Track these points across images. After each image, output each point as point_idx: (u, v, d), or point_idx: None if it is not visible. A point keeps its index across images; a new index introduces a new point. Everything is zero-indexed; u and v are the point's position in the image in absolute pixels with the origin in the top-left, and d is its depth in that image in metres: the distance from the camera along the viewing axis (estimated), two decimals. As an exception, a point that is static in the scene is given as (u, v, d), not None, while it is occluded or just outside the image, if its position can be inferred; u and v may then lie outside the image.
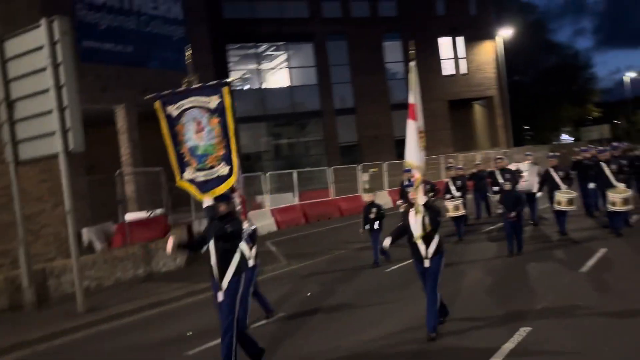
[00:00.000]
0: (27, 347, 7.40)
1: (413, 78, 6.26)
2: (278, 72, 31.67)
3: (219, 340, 5.44)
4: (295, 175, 20.95)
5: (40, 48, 8.74)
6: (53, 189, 12.39)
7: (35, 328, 8.02)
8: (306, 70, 30.89)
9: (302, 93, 30.58)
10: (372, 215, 10.46)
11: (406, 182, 10.95)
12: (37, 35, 8.79)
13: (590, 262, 8.87)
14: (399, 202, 12.19)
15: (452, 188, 12.91)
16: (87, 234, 13.56)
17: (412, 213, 6.16)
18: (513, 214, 9.80)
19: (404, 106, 6.96)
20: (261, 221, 18.66)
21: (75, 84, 8.71)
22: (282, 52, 31.03)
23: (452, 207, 12.30)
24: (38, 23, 8.76)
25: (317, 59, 30.51)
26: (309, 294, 8.79)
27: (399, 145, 27.58)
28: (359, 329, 6.65)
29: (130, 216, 14.40)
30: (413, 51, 6.73)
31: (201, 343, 6.66)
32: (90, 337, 7.77)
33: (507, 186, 10.36)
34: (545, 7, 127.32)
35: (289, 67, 30.78)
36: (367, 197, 10.94)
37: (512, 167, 13.10)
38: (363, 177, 22.59)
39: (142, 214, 14.87)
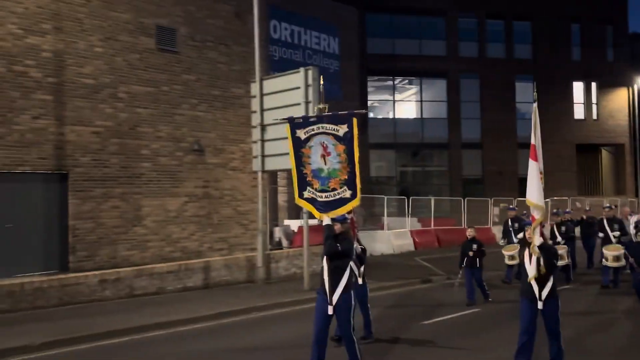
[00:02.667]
0: (284, 307, 10.20)
1: (535, 119, 6.40)
2: (408, 104, 34.01)
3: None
4: (432, 202, 22.98)
5: (296, 88, 11.68)
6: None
7: (283, 295, 10.84)
8: (437, 104, 32.94)
9: (431, 125, 32.52)
10: (471, 253, 10.19)
11: (524, 220, 11.07)
12: (293, 79, 11.75)
13: None
14: (502, 241, 12.63)
15: (557, 234, 12.47)
16: (277, 232, 16.53)
17: (526, 253, 6.12)
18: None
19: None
20: (402, 240, 20.96)
21: (318, 117, 11.51)
22: (415, 85, 33.35)
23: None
24: (297, 70, 11.75)
25: (448, 95, 32.45)
26: (490, 299, 10.70)
27: (523, 183, 28.09)
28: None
29: (297, 222, 17.25)
30: (536, 93, 7.11)
31: (436, 316, 8.91)
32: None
33: None
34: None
35: (421, 100, 32.99)
36: (468, 232, 10.54)
37: (635, 217, 12.63)
38: (494, 211, 24.06)
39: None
